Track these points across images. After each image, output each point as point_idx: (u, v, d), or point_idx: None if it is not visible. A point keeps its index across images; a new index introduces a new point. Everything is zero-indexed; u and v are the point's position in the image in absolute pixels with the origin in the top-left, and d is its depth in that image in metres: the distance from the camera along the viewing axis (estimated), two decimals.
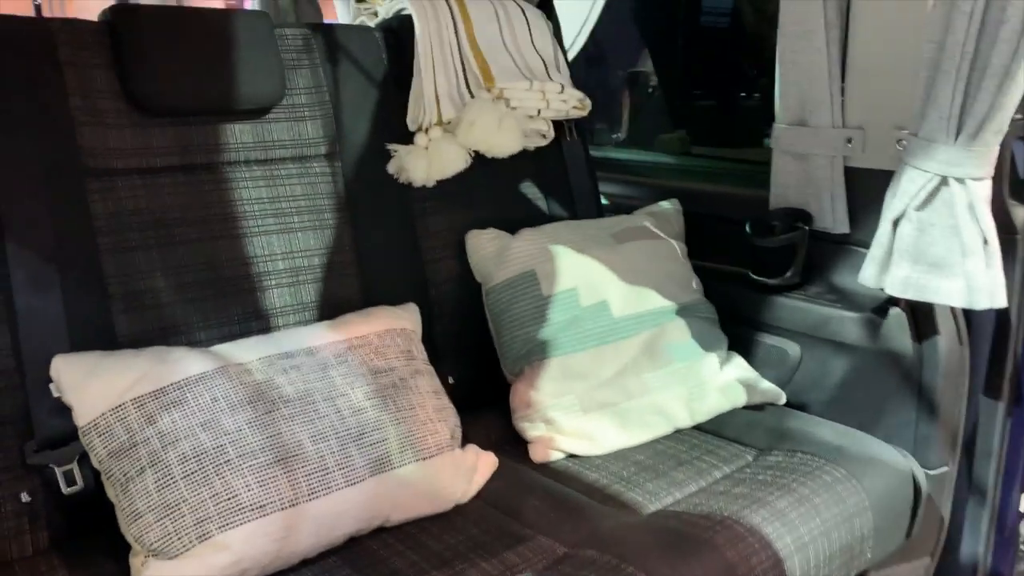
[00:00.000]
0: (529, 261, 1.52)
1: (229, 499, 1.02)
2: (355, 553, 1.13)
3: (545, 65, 1.62)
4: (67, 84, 1.20)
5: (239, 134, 1.35)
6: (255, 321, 1.33)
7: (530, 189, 1.70)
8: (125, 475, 1.04)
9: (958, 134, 1.25)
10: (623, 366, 1.47)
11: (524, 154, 1.66)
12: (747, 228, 1.59)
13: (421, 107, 1.49)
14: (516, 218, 1.64)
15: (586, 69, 2.37)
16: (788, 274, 1.56)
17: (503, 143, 1.51)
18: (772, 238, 1.56)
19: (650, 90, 2.43)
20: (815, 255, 1.56)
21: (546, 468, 1.39)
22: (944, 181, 1.29)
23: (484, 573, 1.07)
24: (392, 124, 1.51)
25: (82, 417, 1.07)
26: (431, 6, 1.52)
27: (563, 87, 1.60)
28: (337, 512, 1.09)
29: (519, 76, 1.54)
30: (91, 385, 1.07)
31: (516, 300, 1.51)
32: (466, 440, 1.43)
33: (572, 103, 1.64)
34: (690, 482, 1.31)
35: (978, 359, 1.43)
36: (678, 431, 1.49)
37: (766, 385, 1.56)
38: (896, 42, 1.35)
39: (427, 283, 1.54)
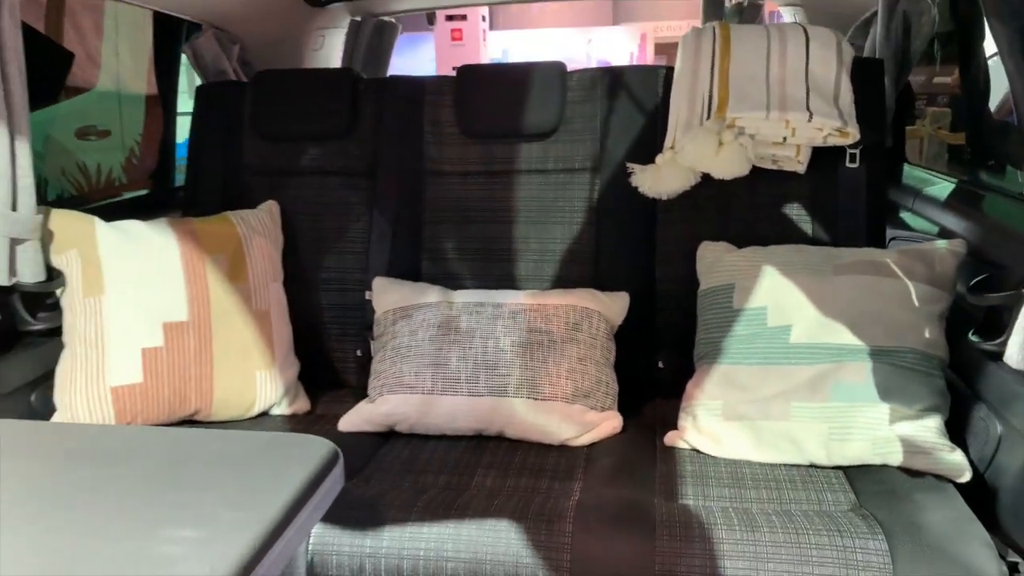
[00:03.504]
0: (733, 274, 1.67)
1: (398, 377, 1.65)
2: (473, 440, 1.63)
3: (808, 94, 1.67)
4: (424, 115, 1.94)
5: (526, 151, 1.90)
6: (506, 281, 1.88)
7: (789, 209, 1.77)
8: (377, 350, 1.76)
9: None
10: (781, 391, 1.53)
11: (784, 176, 1.75)
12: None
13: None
14: (766, 235, 1.76)
15: None
16: (1000, 339, 1.33)
17: (722, 166, 1.68)
18: (982, 294, 1.35)
19: None
20: None
21: (667, 451, 1.59)
22: None
23: (513, 488, 1.44)
24: (653, 147, 1.83)
25: (376, 313, 1.83)
26: (697, 43, 1.77)
27: (811, 116, 1.64)
28: (455, 409, 1.61)
29: (758, 106, 1.67)
30: (380, 298, 1.82)
31: (711, 307, 1.69)
32: (637, 413, 1.73)
33: (827, 131, 1.66)
34: (764, 502, 1.38)
35: None
36: (813, 465, 1.48)
37: (949, 457, 1.38)
38: None
39: (655, 279, 1.83)
